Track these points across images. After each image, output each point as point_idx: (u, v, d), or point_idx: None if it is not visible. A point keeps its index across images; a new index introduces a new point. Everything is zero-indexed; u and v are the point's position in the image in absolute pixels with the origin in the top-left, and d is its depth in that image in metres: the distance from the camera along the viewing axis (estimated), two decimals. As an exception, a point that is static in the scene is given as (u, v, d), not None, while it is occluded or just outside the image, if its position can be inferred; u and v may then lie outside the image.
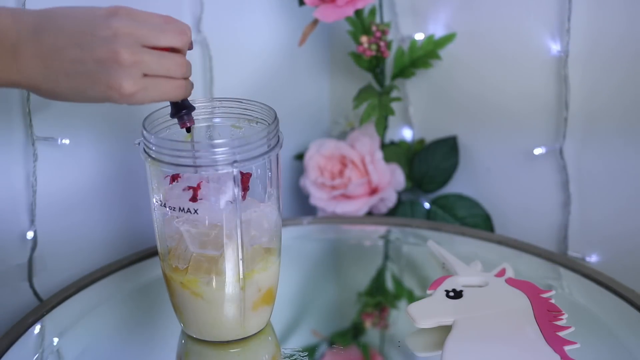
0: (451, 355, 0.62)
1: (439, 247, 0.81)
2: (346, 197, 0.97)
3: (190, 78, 0.62)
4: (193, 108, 0.63)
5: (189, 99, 0.63)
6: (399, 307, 0.77)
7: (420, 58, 0.96)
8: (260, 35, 0.97)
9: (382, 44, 0.94)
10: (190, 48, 0.61)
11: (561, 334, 0.64)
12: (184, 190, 0.63)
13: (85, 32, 0.54)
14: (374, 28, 0.94)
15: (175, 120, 0.65)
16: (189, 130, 0.64)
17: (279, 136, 0.64)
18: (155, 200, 0.64)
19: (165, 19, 0.58)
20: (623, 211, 0.87)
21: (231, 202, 0.61)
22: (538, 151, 0.91)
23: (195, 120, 0.64)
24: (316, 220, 0.94)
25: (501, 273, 0.74)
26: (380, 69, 0.98)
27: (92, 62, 0.54)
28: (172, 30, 0.57)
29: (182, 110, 0.62)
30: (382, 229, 0.92)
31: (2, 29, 0.54)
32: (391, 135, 1.03)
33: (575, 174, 0.89)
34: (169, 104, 0.63)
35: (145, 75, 0.56)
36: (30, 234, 0.79)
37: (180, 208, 0.62)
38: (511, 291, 0.70)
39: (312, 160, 0.99)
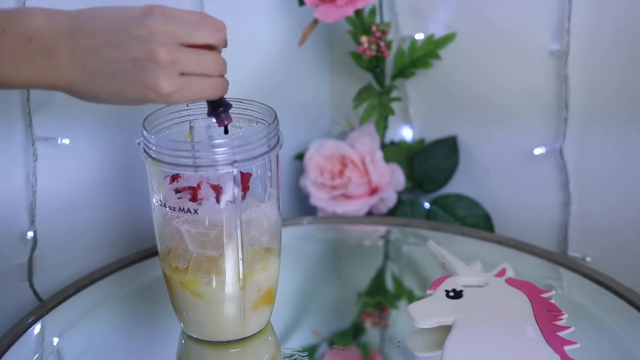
0: (451, 355, 0.62)
1: (439, 247, 0.81)
2: (346, 197, 0.97)
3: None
4: (230, 106, 0.62)
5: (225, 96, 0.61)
6: (399, 307, 0.77)
7: (420, 58, 0.96)
8: (260, 35, 0.97)
9: (382, 44, 0.94)
10: (225, 46, 0.60)
11: (561, 334, 0.64)
12: (178, 191, 0.63)
13: (121, 32, 0.54)
14: (374, 28, 0.94)
15: (176, 120, 0.65)
16: (226, 129, 0.63)
17: (279, 136, 0.63)
18: (155, 200, 0.64)
19: (201, 15, 0.58)
20: (623, 211, 0.87)
21: (231, 202, 0.61)
22: (538, 151, 0.91)
23: (195, 120, 0.64)
24: (316, 220, 0.94)
25: (501, 273, 0.74)
26: (380, 69, 0.98)
27: (129, 62, 0.54)
28: (207, 27, 0.57)
29: (219, 108, 0.61)
30: (382, 229, 0.92)
31: (37, 30, 0.54)
32: (391, 135, 1.03)
33: (575, 174, 0.89)
34: (206, 103, 0.62)
35: (182, 74, 0.55)
36: (30, 234, 0.79)
37: (180, 208, 0.62)
38: (511, 291, 0.70)
39: (312, 160, 0.99)
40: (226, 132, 0.63)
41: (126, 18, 0.55)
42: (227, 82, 0.60)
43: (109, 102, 0.57)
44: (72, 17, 0.55)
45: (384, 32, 0.94)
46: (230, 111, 0.62)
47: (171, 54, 0.54)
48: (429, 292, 0.71)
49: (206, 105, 0.67)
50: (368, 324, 0.73)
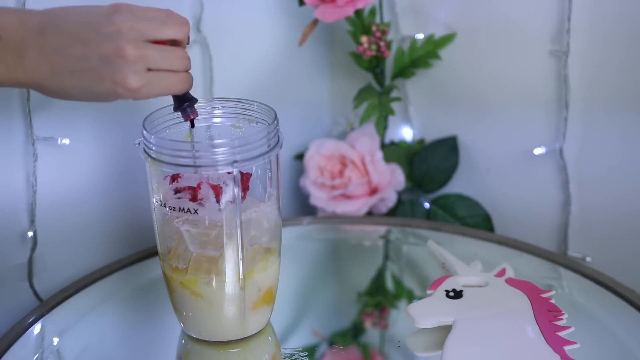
0: (451, 355, 0.62)
1: (439, 247, 0.81)
2: (346, 197, 0.97)
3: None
4: (195, 100, 0.63)
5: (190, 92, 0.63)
6: (399, 307, 0.77)
7: (420, 58, 0.96)
8: (260, 35, 0.97)
9: (382, 44, 0.94)
10: (187, 42, 0.61)
11: (561, 334, 0.64)
12: (177, 191, 0.63)
13: (89, 29, 0.55)
14: (374, 28, 0.94)
15: (176, 120, 0.65)
16: (192, 123, 0.64)
17: (279, 136, 0.64)
18: (155, 200, 0.64)
19: (165, 12, 0.59)
20: (623, 211, 0.87)
21: (231, 202, 0.61)
22: (538, 151, 0.91)
23: (198, 113, 0.65)
24: (316, 220, 0.94)
25: (501, 273, 0.74)
26: (380, 69, 0.98)
27: (97, 59, 0.55)
28: (173, 23, 0.58)
29: (184, 102, 0.62)
30: (382, 229, 0.92)
31: (8, 29, 0.55)
32: (391, 135, 1.03)
33: (575, 174, 0.89)
34: (172, 98, 0.63)
35: (149, 70, 0.56)
36: (30, 234, 0.79)
37: (180, 208, 0.62)
38: (511, 291, 0.70)
39: (312, 160, 0.99)
40: (192, 125, 0.64)
41: (94, 16, 0.56)
42: (192, 78, 0.61)
43: (78, 99, 0.58)
44: (41, 15, 0.56)
45: (384, 32, 0.94)
46: (195, 105, 0.63)
47: (138, 50, 0.55)
48: (429, 292, 0.71)
49: (208, 107, 0.68)
50: (368, 324, 0.73)
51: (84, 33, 0.55)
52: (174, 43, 0.59)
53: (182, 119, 0.65)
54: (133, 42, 0.55)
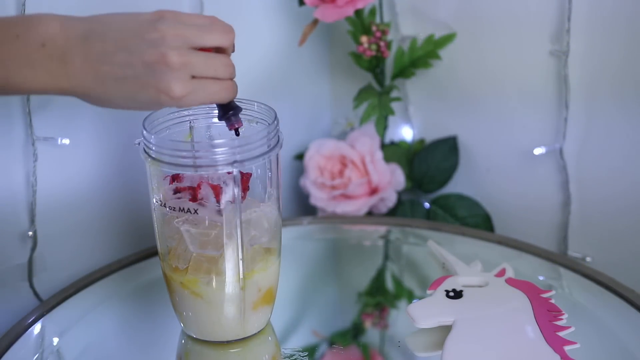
0: (451, 355, 0.62)
1: (439, 247, 0.81)
2: (346, 197, 0.97)
3: None
4: (240, 109, 0.62)
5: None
6: (399, 307, 0.77)
7: (420, 58, 0.96)
8: (260, 35, 0.97)
9: (382, 44, 0.94)
10: (233, 50, 0.61)
11: (561, 334, 0.64)
12: (177, 191, 0.63)
13: (133, 36, 0.54)
14: (374, 28, 0.94)
15: (176, 120, 0.65)
16: (237, 132, 0.62)
17: (279, 136, 0.64)
18: (155, 200, 0.64)
19: (210, 19, 0.58)
20: (623, 211, 0.87)
21: (231, 202, 0.61)
22: (538, 151, 0.91)
23: (195, 120, 0.64)
24: (316, 220, 0.94)
25: (501, 273, 0.74)
26: (380, 69, 0.98)
27: (141, 66, 0.54)
28: (217, 30, 0.57)
29: (229, 111, 0.61)
30: (382, 229, 0.92)
31: (50, 37, 0.54)
32: (391, 135, 1.03)
33: (575, 174, 0.89)
34: (216, 107, 0.62)
35: (193, 77, 0.55)
36: (30, 234, 0.79)
37: (180, 208, 0.62)
38: (511, 291, 0.70)
39: (312, 160, 0.99)
40: (237, 134, 0.63)
41: (138, 23, 0.55)
42: (237, 85, 0.60)
43: (121, 107, 0.57)
44: (84, 22, 0.56)
45: (384, 32, 0.94)
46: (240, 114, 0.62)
47: (183, 57, 0.54)
48: (429, 292, 0.71)
49: (207, 107, 0.67)
50: (368, 324, 0.73)
51: (127, 40, 0.54)
52: (218, 50, 0.58)
53: (185, 120, 0.65)
54: (177, 49, 0.54)
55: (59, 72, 0.54)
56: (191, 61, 0.55)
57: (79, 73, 0.55)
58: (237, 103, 0.62)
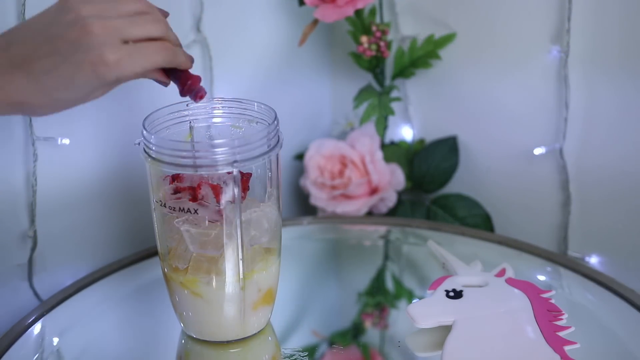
0: (451, 355, 0.62)
1: (439, 247, 0.81)
2: (346, 197, 0.97)
3: None
4: (199, 77, 0.60)
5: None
6: (399, 307, 0.77)
7: (420, 58, 0.96)
8: (260, 35, 0.97)
9: (382, 44, 0.94)
10: (166, 14, 0.59)
11: (561, 334, 0.64)
12: (177, 191, 0.63)
13: (49, 27, 0.54)
14: (374, 28, 0.94)
15: (176, 120, 0.65)
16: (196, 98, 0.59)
17: (279, 136, 0.64)
18: (155, 200, 0.64)
19: None
20: (623, 211, 0.87)
21: (231, 202, 0.61)
22: (538, 151, 0.91)
23: (195, 120, 0.64)
24: (316, 220, 0.94)
25: (501, 273, 0.74)
26: (380, 69, 0.98)
27: (66, 48, 0.53)
28: None
29: (187, 81, 0.59)
30: (382, 229, 0.92)
31: None
32: (391, 135, 1.03)
33: (575, 174, 0.89)
34: (175, 83, 0.60)
35: (125, 42, 0.54)
36: (30, 234, 0.79)
37: (180, 208, 0.62)
38: (511, 291, 0.70)
39: (312, 160, 0.99)
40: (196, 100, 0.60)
41: (49, 15, 0.55)
42: (186, 54, 0.58)
43: (67, 101, 0.55)
44: (2, 36, 0.55)
45: (384, 32, 0.94)
46: (197, 104, 0.60)
47: (104, 22, 0.53)
48: (429, 292, 0.71)
49: (207, 107, 0.67)
50: (368, 324, 0.73)
51: (46, 32, 0.54)
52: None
53: (185, 120, 0.64)
54: (94, 17, 0.53)
55: None
56: (114, 24, 0.53)
57: (10, 81, 0.53)
58: (238, 102, 0.61)
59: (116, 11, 0.55)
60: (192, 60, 0.59)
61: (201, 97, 0.59)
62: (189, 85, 0.59)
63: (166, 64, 0.57)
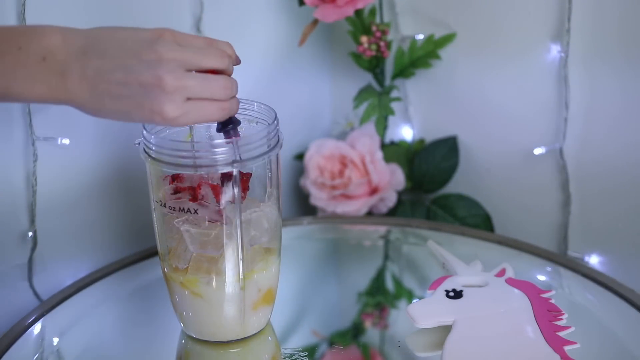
0: (451, 355, 0.62)
1: (439, 247, 0.81)
2: (346, 197, 0.97)
3: None
4: (239, 123, 0.62)
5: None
6: (399, 307, 0.77)
7: (420, 58, 0.96)
8: (260, 36, 0.97)
9: (382, 44, 0.94)
10: (238, 63, 0.61)
11: (561, 334, 0.64)
12: (177, 190, 0.63)
13: (131, 55, 0.55)
14: (374, 28, 0.94)
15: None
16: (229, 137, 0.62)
17: (279, 136, 0.64)
18: (155, 200, 0.64)
19: (208, 41, 0.59)
20: (623, 211, 0.87)
21: (231, 202, 0.61)
22: (538, 151, 0.91)
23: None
24: (316, 220, 0.94)
25: (501, 273, 0.74)
26: (380, 69, 0.98)
27: (136, 86, 0.55)
28: (214, 53, 0.58)
29: (228, 125, 0.61)
30: (382, 229, 0.92)
31: (52, 50, 0.55)
32: (391, 135, 1.03)
33: (575, 174, 0.89)
34: None
35: (188, 99, 0.56)
36: (30, 234, 0.79)
37: (180, 208, 0.62)
38: (511, 291, 0.70)
39: (312, 160, 0.99)
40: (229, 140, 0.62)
41: (137, 41, 0.56)
42: (237, 102, 0.60)
43: (116, 120, 0.58)
44: (85, 37, 0.56)
45: (384, 32, 0.94)
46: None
47: (177, 80, 0.55)
48: (429, 292, 0.71)
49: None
50: (368, 324, 0.73)
51: (125, 58, 0.55)
52: (218, 71, 0.58)
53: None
54: (173, 72, 0.55)
55: (57, 85, 0.55)
56: (186, 84, 0.55)
57: (76, 88, 0.55)
58: (239, 102, 0.61)
59: (197, 65, 0.56)
60: (238, 106, 0.61)
61: (231, 139, 0.62)
62: (228, 128, 0.61)
63: (216, 120, 0.59)
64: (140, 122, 0.59)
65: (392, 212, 0.99)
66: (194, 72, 0.56)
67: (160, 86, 0.54)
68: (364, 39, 0.94)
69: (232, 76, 0.60)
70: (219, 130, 0.62)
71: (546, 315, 0.66)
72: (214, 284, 0.63)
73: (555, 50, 0.87)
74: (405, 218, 0.96)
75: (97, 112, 0.57)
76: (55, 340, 0.70)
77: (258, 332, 0.68)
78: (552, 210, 0.92)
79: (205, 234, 0.62)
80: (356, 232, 0.94)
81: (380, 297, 0.78)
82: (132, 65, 0.55)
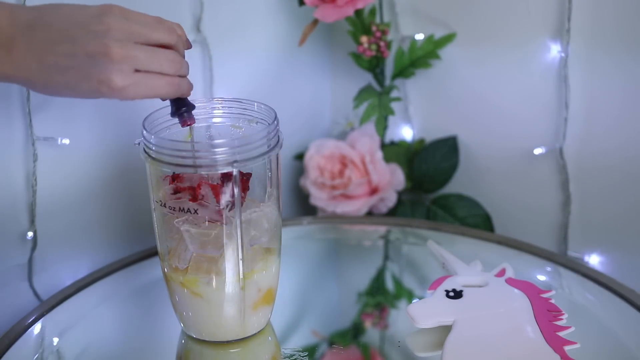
0: (451, 355, 0.62)
1: (439, 247, 0.81)
2: (346, 197, 0.97)
3: (191, 78, 0.62)
4: (193, 106, 0.63)
5: (189, 98, 0.63)
6: (399, 307, 0.77)
7: (420, 58, 0.96)
8: (260, 36, 0.97)
9: (382, 44, 0.94)
10: (189, 47, 0.62)
11: (561, 334, 0.64)
12: (177, 190, 0.63)
13: (77, 27, 0.55)
14: (374, 28, 0.94)
15: (176, 120, 0.65)
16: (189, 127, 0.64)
17: (279, 136, 0.64)
18: (155, 200, 0.64)
19: (156, 18, 0.59)
20: (623, 211, 0.87)
21: (231, 202, 0.61)
22: (538, 151, 0.91)
23: (196, 120, 0.64)
24: (316, 220, 0.94)
25: (501, 273, 0.74)
26: (380, 69, 0.98)
27: (83, 56, 0.55)
28: (162, 28, 0.58)
29: (181, 108, 0.62)
30: (382, 229, 0.92)
31: None
32: (391, 135, 1.03)
33: (575, 174, 0.90)
34: (169, 103, 0.63)
35: (137, 71, 0.56)
36: (30, 234, 0.79)
37: (180, 208, 0.62)
38: (511, 291, 0.70)
39: (312, 160, 0.99)
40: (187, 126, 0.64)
41: (84, 14, 0.56)
42: (189, 84, 0.61)
43: (63, 95, 0.58)
44: (32, 11, 0.57)
45: (384, 32, 0.94)
46: (193, 112, 0.63)
47: (125, 49, 0.55)
48: (429, 292, 0.71)
49: (207, 107, 0.67)
50: (368, 324, 0.73)
51: (72, 30, 0.55)
52: (166, 47, 0.59)
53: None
54: (120, 42, 0.55)
55: (4, 59, 0.55)
56: (133, 54, 0.56)
57: (23, 61, 0.55)
58: (238, 102, 0.62)
59: (145, 38, 0.57)
60: (191, 88, 0.62)
61: (187, 125, 0.63)
62: (182, 111, 0.62)
63: (167, 96, 0.60)
64: (88, 96, 0.58)
65: (392, 212, 0.99)
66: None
67: (107, 55, 0.55)
68: (364, 39, 0.94)
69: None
70: (172, 114, 0.63)
71: (546, 315, 0.66)
72: (214, 284, 0.63)
73: (555, 50, 0.87)
74: (405, 218, 0.96)
75: (45, 86, 0.57)
76: (55, 340, 0.70)
77: (258, 332, 0.68)
78: (552, 210, 0.92)
79: (205, 234, 0.62)
80: (356, 232, 0.94)
81: (380, 297, 0.78)
82: (79, 36, 0.55)
